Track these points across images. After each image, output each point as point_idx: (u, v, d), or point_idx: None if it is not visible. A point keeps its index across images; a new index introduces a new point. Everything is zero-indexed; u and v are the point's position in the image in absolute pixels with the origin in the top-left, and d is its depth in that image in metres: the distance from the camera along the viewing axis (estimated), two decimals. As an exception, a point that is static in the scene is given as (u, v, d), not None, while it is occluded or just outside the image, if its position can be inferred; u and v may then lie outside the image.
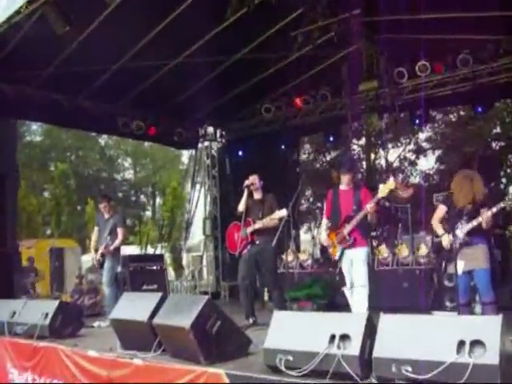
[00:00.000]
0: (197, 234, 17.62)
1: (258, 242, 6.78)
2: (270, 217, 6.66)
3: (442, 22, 8.79)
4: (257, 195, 6.99)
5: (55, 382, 5.50)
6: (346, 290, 6.07)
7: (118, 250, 8.16)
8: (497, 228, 8.31)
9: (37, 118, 13.26)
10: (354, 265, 5.97)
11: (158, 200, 40.13)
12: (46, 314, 6.11)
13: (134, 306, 5.30)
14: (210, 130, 13.53)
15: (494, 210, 5.15)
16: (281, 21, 9.45)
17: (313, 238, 11.03)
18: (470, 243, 5.25)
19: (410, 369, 3.29)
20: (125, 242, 9.10)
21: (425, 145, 24.44)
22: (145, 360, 4.68)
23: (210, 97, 11.23)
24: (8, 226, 10.04)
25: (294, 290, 8.93)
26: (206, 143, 13.56)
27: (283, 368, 3.77)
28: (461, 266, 5.17)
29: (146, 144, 38.16)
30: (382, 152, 23.69)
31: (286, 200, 6.80)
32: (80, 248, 19.94)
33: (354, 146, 23.88)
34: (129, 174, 43.82)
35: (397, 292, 8.43)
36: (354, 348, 3.58)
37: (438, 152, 23.87)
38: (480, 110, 10.58)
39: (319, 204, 13.51)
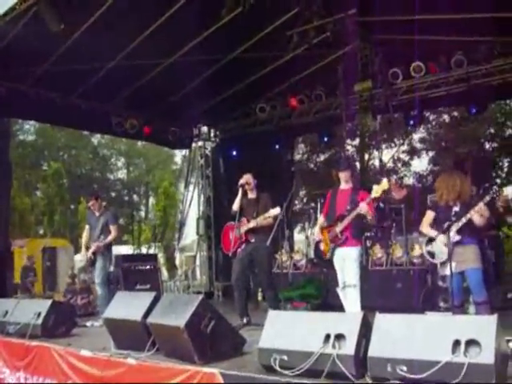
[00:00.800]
0: (190, 234, 17.59)
1: (252, 241, 6.77)
2: (264, 215, 6.65)
3: (437, 23, 8.80)
4: (251, 194, 6.97)
5: (48, 381, 5.47)
6: (339, 290, 6.05)
7: (109, 248, 8.05)
8: (491, 229, 8.33)
9: (30, 117, 13.17)
10: (346, 264, 5.95)
11: (151, 200, 40.04)
12: (39, 314, 6.09)
13: (128, 306, 5.27)
14: (204, 129, 13.52)
15: (488, 198, 5.20)
16: (276, 20, 9.43)
17: (307, 238, 10.98)
18: (460, 243, 5.29)
19: (405, 368, 3.29)
20: (118, 240, 9.04)
21: (418, 146, 24.51)
22: (138, 360, 4.66)
23: (204, 96, 11.22)
24: (0, 225, 9.98)
25: (288, 290, 8.92)
26: (200, 143, 13.54)
27: (278, 368, 3.76)
28: (452, 266, 5.18)
29: (139, 143, 38.11)
30: (375, 153, 23.71)
31: (279, 200, 6.79)
32: (73, 247, 19.86)
33: (348, 147, 23.92)
34: (122, 174, 43.73)
35: (390, 292, 8.45)
36: (348, 347, 3.57)
37: (431, 153, 23.95)
38: (474, 111, 10.61)
39: (313, 204, 13.49)
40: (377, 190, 5.80)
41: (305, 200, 24.38)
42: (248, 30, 9.57)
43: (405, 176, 24.55)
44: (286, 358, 3.77)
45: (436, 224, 5.61)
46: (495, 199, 5.31)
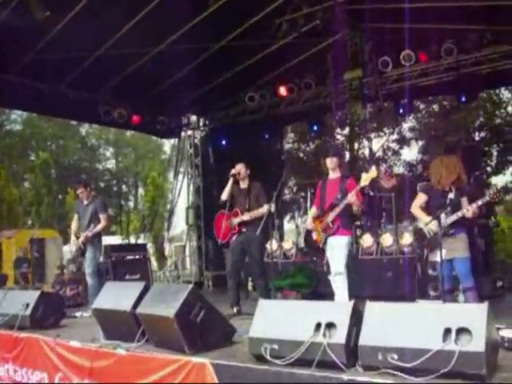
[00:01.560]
0: (179, 224, 17.56)
1: (244, 231, 6.77)
2: (258, 211, 6.65)
3: (427, 12, 8.77)
4: (243, 184, 6.95)
5: (37, 372, 5.43)
6: (331, 278, 6.08)
7: (99, 238, 7.95)
8: (480, 218, 8.36)
9: (16, 106, 13.08)
10: (334, 252, 5.99)
11: (141, 190, 39.90)
12: (27, 305, 6.02)
13: (117, 296, 5.23)
14: (193, 118, 13.44)
15: (480, 202, 5.27)
16: (265, 8, 9.37)
17: (296, 227, 10.98)
18: (452, 232, 5.39)
19: (396, 357, 3.28)
20: (106, 230, 8.96)
21: (408, 135, 24.53)
22: (128, 350, 4.63)
23: (193, 85, 11.14)
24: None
25: (278, 279, 8.91)
26: (189, 132, 13.47)
27: (268, 357, 3.74)
28: (442, 254, 5.24)
29: (128, 133, 37.88)
30: (365, 142, 23.73)
31: (269, 189, 6.76)
32: (61, 238, 19.76)
33: (338, 136, 23.92)
34: (110, 164, 43.50)
35: (381, 281, 8.47)
36: (339, 336, 3.56)
37: (421, 142, 23.98)
38: (464, 99, 10.61)
39: (303, 193, 13.53)
40: (365, 179, 5.80)
41: (294, 189, 24.36)
42: (237, 18, 9.51)
43: (394, 165, 24.55)
44: (276, 347, 3.75)
45: (428, 208, 5.65)
46: (492, 199, 5.32)
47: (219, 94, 11.94)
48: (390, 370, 3.30)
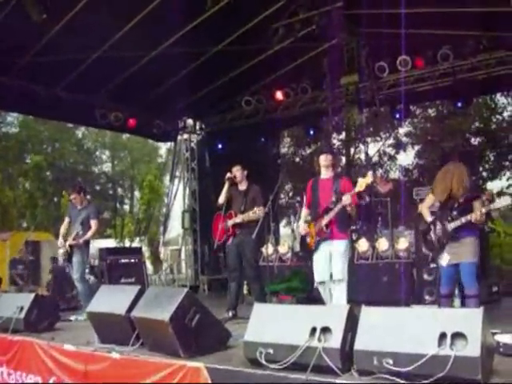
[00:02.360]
0: (175, 228, 17.52)
1: (239, 235, 6.77)
2: (249, 214, 6.63)
3: (424, 17, 8.81)
4: (241, 186, 6.95)
5: (31, 376, 5.40)
6: (319, 285, 5.92)
7: (87, 243, 7.84)
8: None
9: (12, 109, 13.06)
10: (333, 258, 5.76)
11: (136, 193, 39.83)
12: (21, 308, 5.99)
13: (112, 299, 5.21)
14: (190, 122, 13.45)
15: (483, 210, 5.07)
16: (262, 13, 9.38)
17: (292, 231, 10.97)
18: (457, 237, 5.21)
19: (391, 361, 3.28)
20: (99, 234, 8.93)
21: (404, 139, 24.58)
22: (123, 354, 4.62)
23: (189, 89, 11.14)
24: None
25: (274, 284, 8.90)
26: (186, 135, 13.47)
27: (263, 361, 3.73)
28: (446, 258, 5.17)
29: (124, 136, 37.83)
30: (361, 146, 23.71)
31: (265, 193, 6.76)
32: (56, 241, 19.72)
33: (334, 140, 23.92)
34: (107, 167, 43.41)
35: (376, 286, 8.46)
36: (334, 341, 3.55)
37: (417, 147, 24.03)
38: (460, 105, 10.67)
39: (299, 198, 13.50)
40: (361, 184, 5.60)
41: (290, 194, 24.38)
42: (233, 23, 9.52)
43: (390, 170, 24.63)
44: (271, 351, 3.74)
45: (437, 210, 5.53)
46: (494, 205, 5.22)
47: (216, 97, 11.95)
48: (385, 375, 3.29)
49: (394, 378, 3.25)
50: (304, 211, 6.21)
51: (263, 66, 10.81)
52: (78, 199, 7.91)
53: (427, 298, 7.71)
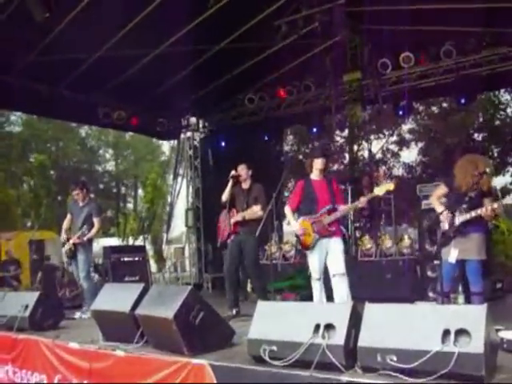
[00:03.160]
0: (178, 226, 17.55)
1: (240, 233, 6.77)
2: (247, 212, 6.68)
3: (427, 13, 8.79)
4: (245, 185, 6.96)
5: (36, 374, 5.43)
6: (316, 282, 5.95)
7: (90, 241, 7.84)
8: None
9: (16, 108, 13.07)
10: (334, 254, 5.88)
11: (140, 192, 39.87)
12: (26, 306, 6.02)
13: (116, 297, 5.23)
14: (193, 120, 13.43)
15: (495, 205, 5.00)
16: (264, 10, 9.36)
17: (296, 229, 10.97)
18: (465, 232, 5.13)
19: (394, 358, 3.28)
20: (104, 232, 8.96)
21: (408, 136, 24.55)
22: (127, 351, 4.64)
23: (192, 87, 11.15)
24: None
25: (278, 282, 8.90)
26: (189, 134, 13.47)
27: (267, 358, 3.74)
28: (454, 255, 5.09)
29: (128, 135, 37.86)
30: (365, 143, 23.74)
31: (269, 191, 6.75)
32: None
33: (338, 138, 23.92)
34: (110, 166, 43.47)
35: (380, 283, 8.47)
36: (338, 338, 3.56)
37: (420, 144, 24.00)
38: (463, 101, 10.62)
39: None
40: (381, 189, 5.78)
41: (286, 193, 24.36)
42: (236, 20, 9.51)
43: (394, 167, 24.59)
44: (275, 348, 3.75)
45: (446, 202, 5.44)
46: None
47: (219, 95, 11.94)
48: (388, 372, 3.30)
49: (397, 374, 3.26)
50: (289, 210, 6.21)
51: (266, 64, 10.80)
52: (81, 195, 7.89)
53: (431, 294, 7.69)
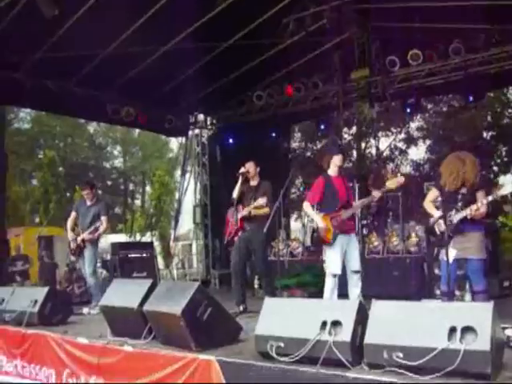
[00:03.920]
0: (186, 223, 17.57)
1: (247, 229, 6.78)
2: (253, 205, 6.70)
3: (435, 11, 8.76)
4: (253, 182, 6.99)
5: (44, 369, 5.47)
6: (333, 278, 5.94)
7: (98, 237, 7.96)
8: (487, 217, 8.33)
9: (24, 104, 13.09)
10: (352, 251, 6.01)
11: (148, 188, 39.97)
12: (35, 301, 6.06)
13: (124, 293, 5.27)
14: (201, 117, 13.46)
15: (490, 198, 4.96)
16: (273, 7, 9.36)
17: (303, 226, 10.99)
18: (463, 230, 5.09)
19: (401, 355, 3.29)
20: (111, 229, 9.02)
21: (416, 134, 24.47)
22: (135, 347, 4.67)
23: (200, 84, 11.15)
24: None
25: (285, 278, 8.93)
26: (197, 131, 13.50)
27: (274, 354, 3.76)
28: (452, 254, 5.06)
29: (136, 132, 37.92)
30: (372, 141, 23.69)
31: (276, 188, 6.77)
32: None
33: (345, 135, 23.87)
34: (118, 163, 43.57)
35: (387, 280, 8.47)
36: (345, 334, 3.57)
37: (428, 141, 23.92)
38: (471, 99, 10.58)
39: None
40: (393, 182, 5.98)
41: (301, 188, 24.34)
42: (244, 17, 9.50)
43: (401, 164, 24.53)
44: (282, 344, 3.77)
45: (440, 204, 5.39)
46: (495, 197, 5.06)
47: (227, 92, 11.95)
48: (395, 369, 3.31)
49: (403, 371, 3.27)
50: (309, 206, 6.23)
51: (274, 61, 10.80)
52: (91, 195, 8.02)
53: (438, 292, 7.68)
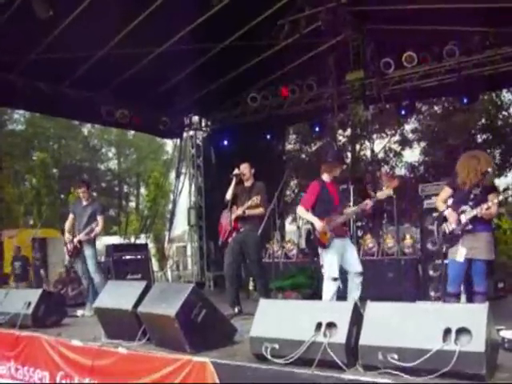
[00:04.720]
0: (181, 225, 17.57)
1: (241, 230, 6.75)
2: (248, 204, 6.65)
3: (430, 13, 8.79)
4: (247, 183, 6.96)
5: (38, 371, 5.44)
6: (334, 281, 5.89)
7: (95, 237, 7.93)
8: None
9: (19, 106, 13.08)
10: (352, 253, 6.05)
11: (142, 190, 39.89)
12: (29, 304, 6.03)
13: (119, 295, 5.24)
14: (196, 119, 13.47)
15: (495, 201, 4.94)
16: (267, 9, 9.38)
17: (298, 228, 11.00)
18: (472, 230, 5.03)
19: (396, 356, 3.29)
20: (105, 231, 9.00)
21: (410, 136, 24.53)
22: (129, 349, 4.65)
23: (195, 85, 11.16)
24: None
25: (279, 280, 8.92)
26: (191, 132, 13.49)
27: (269, 356, 3.75)
28: (462, 253, 4.99)
29: (130, 133, 37.84)
30: (367, 143, 23.73)
31: (271, 190, 6.77)
32: (63, 237, 19.76)
33: (340, 137, 23.90)
34: (113, 164, 43.45)
35: (382, 282, 8.46)
36: (340, 336, 3.56)
37: (423, 143, 23.98)
38: (466, 101, 10.65)
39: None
40: (382, 194, 6.12)
41: (296, 190, 24.38)
42: (239, 19, 9.52)
43: (396, 166, 24.57)
44: (277, 346, 3.76)
45: (452, 204, 5.31)
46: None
47: (221, 94, 11.96)
48: (390, 370, 3.31)
49: (398, 372, 3.27)
50: (304, 210, 6.20)
51: (269, 63, 10.81)
52: (87, 194, 7.98)
53: (432, 294, 7.72)
